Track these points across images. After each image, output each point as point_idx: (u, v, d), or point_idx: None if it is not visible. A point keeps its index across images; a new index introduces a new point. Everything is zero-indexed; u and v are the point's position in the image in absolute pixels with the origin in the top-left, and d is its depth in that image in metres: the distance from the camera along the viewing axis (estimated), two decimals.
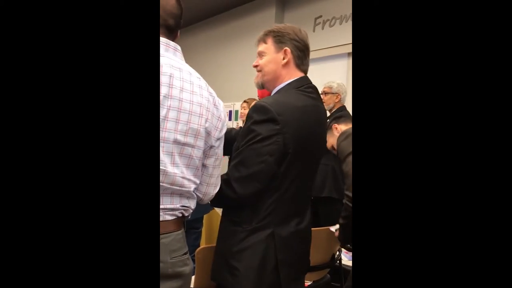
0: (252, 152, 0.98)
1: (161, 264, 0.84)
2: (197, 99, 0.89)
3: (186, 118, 0.86)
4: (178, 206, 0.88)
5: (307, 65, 1.13)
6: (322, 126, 1.15)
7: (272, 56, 1.10)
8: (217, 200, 1.04)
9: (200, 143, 0.90)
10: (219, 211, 2.08)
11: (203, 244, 1.98)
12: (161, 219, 0.85)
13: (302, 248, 1.14)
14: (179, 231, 0.91)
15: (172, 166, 0.84)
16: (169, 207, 0.86)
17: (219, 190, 1.02)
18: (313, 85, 1.12)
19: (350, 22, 3.31)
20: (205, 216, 1.99)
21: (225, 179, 1.03)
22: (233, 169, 1.02)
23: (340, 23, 3.40)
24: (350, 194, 1.38)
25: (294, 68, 1.10)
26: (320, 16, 3.56)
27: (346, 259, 2.01)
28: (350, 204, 1.40)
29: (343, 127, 1.70)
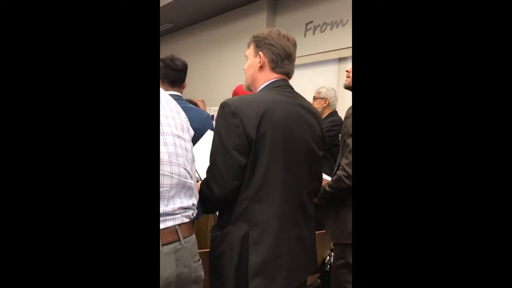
0: (219, 151, 1.00)
1: (186, 270, 0.86)
2: (168, 98, 0.96)
3: (171, 114, 0.91)
4: (190, 204, 0.91)
5: (287, 68, 1.13)
6: (301, 123, 1.08)
7: (251, 61, 1.16)
8: (202, 202, 1.07)
9: (187, 136, 0.95)
10: (206, 216, 2.06)
11: None
12: (180, 222, 0.86)
13: (294, 258, 1.05)
14: (194, 235, 0.93)
15: (177, 157, 0.87)
16: (184, 206, 0.88)
17: (201, 192, 1.05)
18: (291, 87, 1.14)
19: (341, 28, 3.35)
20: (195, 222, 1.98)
21: (205, 181, 1.05)
22: (208, 171, 1.04)
23: (331, 29, 3.43)
24: (350, 171, 1.36)
25: (269, 71, 1.13)
26: (311, 22, 3.59)
27: None
28: (347, 181, 1.36)
29: None
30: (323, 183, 1.51)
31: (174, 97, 1.44)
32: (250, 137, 0.98)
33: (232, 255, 0.98)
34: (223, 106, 1.01)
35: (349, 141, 1.41)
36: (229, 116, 0.99)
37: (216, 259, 1.02)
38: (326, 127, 2.35)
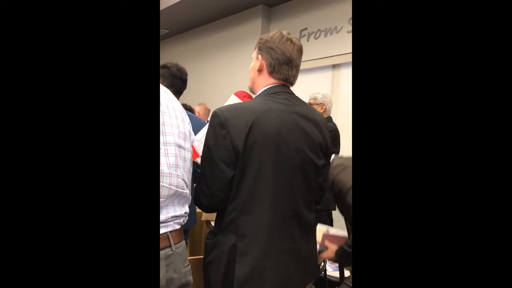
0: (207, 162, 1.00)
1: (176, 275, 0.88)
2: (176, 104, 0.96)
3: (176, 122, 0.91)
4: (182, 213, 0.93)
5: (285, 74, 1.09)
6: (296, 132, 1.04)
7: (253, 63, 1.14)
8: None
9: (189, 145, 0.96)
10: (200, 224, 2.05)
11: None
12: (171, 229, 0.88)
13: (284, 271, 1.01)
14: (184, 240, 0.95)
15: (176, 168, 0.88)
16: (177, 214, 0.90)
17: (193, 199, 1.05)
18: (290, 92, 1.11)
19: (335, 35, 3.38)
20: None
21: (195, 189, 1.04)
22: (197, 183, 1.04)
23: (325, 36, 3.46)
24: None
25: (267, 75, 1.10)
26: (306, 29, 3.62)
27: (331, 269, 2.01)
28: None
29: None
30: (341, 241, 1.44)
31: None
32: (237, 149, 0.96)
33: (219, 265, 0.98)
34: (213, 116, 1.00)
35: (349, 198, 1.31)
36: (217, 127, 0.97)
37: (207, 266, 1.02)
38: None
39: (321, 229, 1.67)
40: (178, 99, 1.63)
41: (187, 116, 1.00)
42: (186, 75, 1.64)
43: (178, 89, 1.61)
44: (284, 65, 1.08)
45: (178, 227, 0.90)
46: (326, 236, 1.62)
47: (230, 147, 0.96)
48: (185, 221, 0.95)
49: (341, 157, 1.53)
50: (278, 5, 3.91)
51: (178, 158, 0.89)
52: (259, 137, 0.97)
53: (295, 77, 1.13)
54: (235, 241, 0.97)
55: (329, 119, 2.54)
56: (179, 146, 0.91)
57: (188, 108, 2.66)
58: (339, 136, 2.49)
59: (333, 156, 1.47)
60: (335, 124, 2.51)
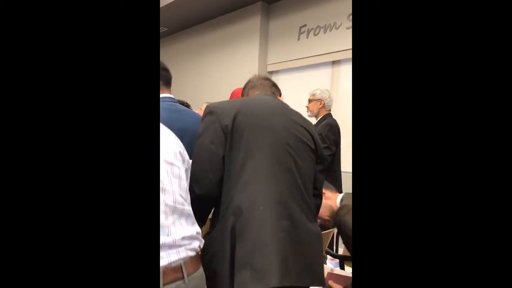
0: (198, 147, 1.04)
1: None
2: (167, 129, 0.94)
3: (165, 142, 0.89)
4: (194, 233, 0.83)
5: (261, 88, 1.28)
6: (285, 118, 1.10)
7: None
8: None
9: (180, 164, 0.91)
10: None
11: None
12: (184, 255, 0.78)
13: (284, 253, 0.94)
14: (201, 268, 0.85)
15: (170, 184, 0.83)
16: (186, 234, 0.80)
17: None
18: (272, 95, 1.27)
19: (334, 31, 3.37)
20: None
21: (189, 186, 1.03)
22: (190, 175, 1.03)
23: (325, 32, 3.45)
24: None
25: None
26: (305, 25, 3.61)
27: (331, 266, 2.01)
28: None
29: (329, 194, 1.49)
30: (346, 281, 1.41)
31: (168, 99, 1.42)
32: (226, 129, 1.00)
33: (224, 255, 0.94)
34: (205, 109, 1.07)
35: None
36: (207, 116, 1.05)
37: (210, 260, 0.97)
38: (321, 131, 2.35)
39: (326, 268, 1.62)
40: (170, 93, 1.59)
41: (178, 139, 0.96)
42: (165, 65, 1.60)
43: (165, 80, 1.55)
44: (255, 85, 1.29)
45: (192, 254, 0.80)
46: (330, 275, 1.59)
47: (218, 129, 1.01)
48: (201, 246, 0.86)
49: (350, 195, 1.48)
50: (277, 2, 3.89)
51: (171, 175, 0.85)
52: (248, 116, 1.04)
53: (272, 88, 1.30)
54: (233, 222, 0.94)
55: (329, 115, 2.53)
56: (171, 164, 0.86)
57: (185, 104, 2.64)
58: (340, 133, 2.49)
59: (342, 194, 1.48)
60: (335, 120, 2.51)
